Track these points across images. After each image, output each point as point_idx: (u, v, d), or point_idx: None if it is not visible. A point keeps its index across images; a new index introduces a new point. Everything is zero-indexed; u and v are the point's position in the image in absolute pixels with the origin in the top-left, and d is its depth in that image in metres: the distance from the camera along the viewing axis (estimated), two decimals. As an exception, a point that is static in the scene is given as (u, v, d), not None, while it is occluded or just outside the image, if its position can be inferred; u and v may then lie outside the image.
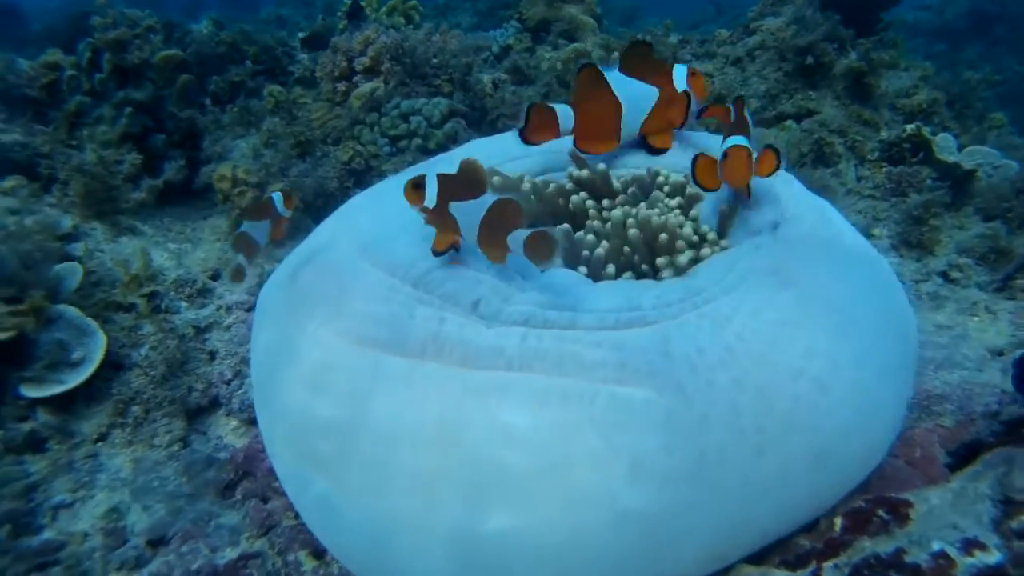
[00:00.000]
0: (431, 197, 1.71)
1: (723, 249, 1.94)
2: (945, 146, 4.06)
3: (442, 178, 1.72)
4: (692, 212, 2.07)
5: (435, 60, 4.41)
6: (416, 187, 1.74)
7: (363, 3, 5.89)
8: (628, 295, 1.73)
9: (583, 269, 1.91)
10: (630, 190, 2.11)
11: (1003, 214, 3.67)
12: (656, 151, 2.28)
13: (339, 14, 6.15)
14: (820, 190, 3.53)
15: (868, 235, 3.56)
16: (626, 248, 1.90)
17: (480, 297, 1.71)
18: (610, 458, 1.53)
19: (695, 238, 1.92)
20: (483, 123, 4.31)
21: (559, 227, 1.98)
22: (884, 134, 4.34)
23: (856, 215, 3.82)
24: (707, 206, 2.08)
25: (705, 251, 1.93)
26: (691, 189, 2.09)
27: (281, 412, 1.84)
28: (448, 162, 2.26)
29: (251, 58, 5.32)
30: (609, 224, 1.96)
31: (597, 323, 1.66)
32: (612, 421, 1.55)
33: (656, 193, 2.08)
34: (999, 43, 9.72)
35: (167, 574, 2.14)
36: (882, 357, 1.81)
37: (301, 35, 5.84)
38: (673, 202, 2.06)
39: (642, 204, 2.04)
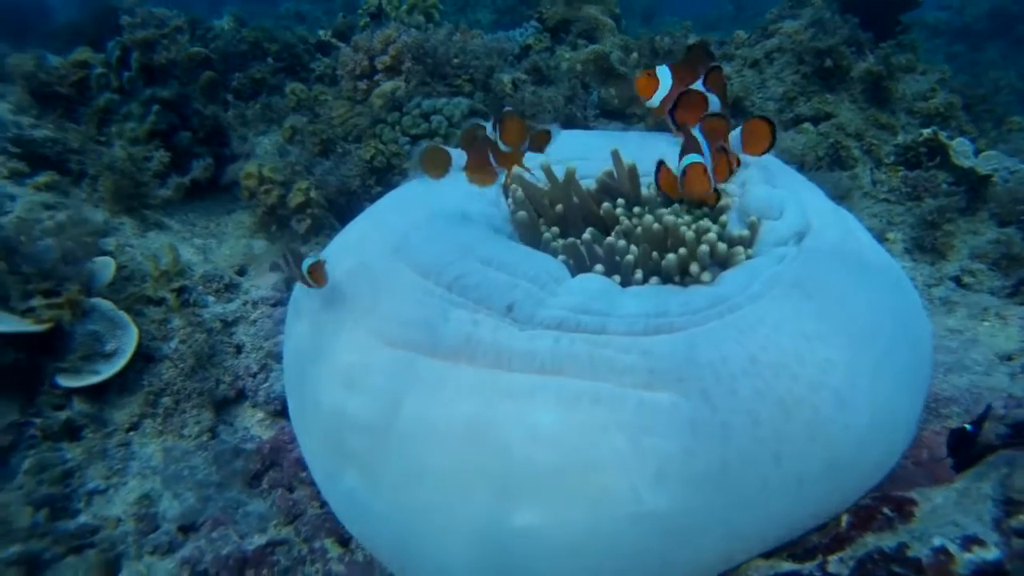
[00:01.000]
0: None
1: (749, 257, 1.98)
2: (961, 151, 4.09)
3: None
4: (721, 218, 2.11)
5: (456, 60, 4.47)
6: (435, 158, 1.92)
7: (384, 2, 5.95)
8: (656, 301, 1.78)
9: (617, 277, 1.96)
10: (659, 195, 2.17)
11: (1018, 219, 3.71)
12: None
13: (360, 11, 6.21)
14: (837, 198, 3.60)
15: (883, 239, 3.62)
16: (655, 253, 1.96)
17: (514, 301, 1.77)
18: (637, 460, 1.59)
19: (722, 245, 1.96)
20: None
21: (589, 230, 2.03)
22: (900, 138, 4.38)
23: (871, 219, 3.87)
24: (735, 212, 2.13)
25: (731, 258, 1.97)
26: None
27: (314, 407, 1.91)
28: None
29: (273, 55, 5.42)
30: (639, 229, 2.00)
31: (627, 328, 1.72)
32: (640, 424, 1.61)
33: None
34: (1020, 43, 9.69)
35: (199, 558, 2.23)
36: (898, 370, 1.85)
37: (321, 33, 5.91)
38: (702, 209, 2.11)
39: (671, 209, 2.09)
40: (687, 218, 2.05)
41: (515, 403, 1.64)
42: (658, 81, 2.33)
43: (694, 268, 1.91)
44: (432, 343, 1.74)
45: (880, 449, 1.83)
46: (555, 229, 2.08)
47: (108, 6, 5.68)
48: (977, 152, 4.19)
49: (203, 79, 4.82)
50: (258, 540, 2.29)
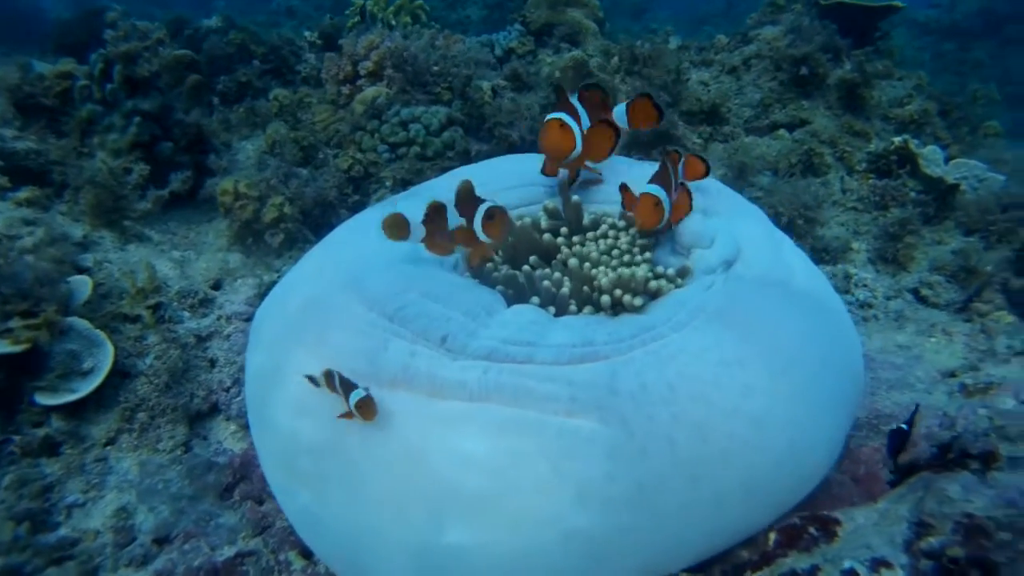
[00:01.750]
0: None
1: (678, 287, 2.07)
2: (932, 159, 4.17)
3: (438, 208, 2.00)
4: (651, 258, 2.19)
5: (436, 68, 4.54)
6: (394, 225, 1.95)
7: (370, 4, 6.01)
8: (583, 331, 1.89)
9: (552, 309, 2.05)
10: (600, 228, 2.25)
11: (985, 228, 3.79)
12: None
13: (347, 12, 6.26)
14: (809, 206, 3.67)
15: (847, 248, 3.70)
16: (585, 288, 2.05)
17: (448, 332, 1.88)
18: (558, 483, 1.70)
19: (651, 276, 2.05)
20: (480, 131, 4.45)
21: (530, 260, 2.13)
22: (873, 145, 4.45)
23: (839, 227, 3.96)
24: (666, 247, 2.22)
25: (663, 286, 2.06)
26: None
27: (270, 430, 2.02)
28: (420, 195, 2.42)
29: (259, 58, 5.49)
30: (571, 262, 2.10)
31: (553, 358, 1.82)
32: (561, 449, 1.71)
33: (621, 234, 2.22)
34: (1010, 43, 9.70)
35: (171, 571, 2.33)
36: (821, 395, 1.94)
37: (308, 35, 5.97)
38: (637, 240, 2.19)
39: (605, 241, 2.18)
40: (619, 250, 2.13)
41: (446, 430, 1.76)
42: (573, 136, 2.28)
43: (626, 299, 2.00)
44: (374, 371, 1.85)
45: (800, 470, 1.92)
46: (496, 260, 2.18)
47: (96, 8, 5.76)
48: (949, 159, 4.27)
49: (189, 82, 4.90)
50: (228, 552, 2.39)
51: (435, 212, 2.06)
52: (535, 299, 2.04)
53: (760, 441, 1.80)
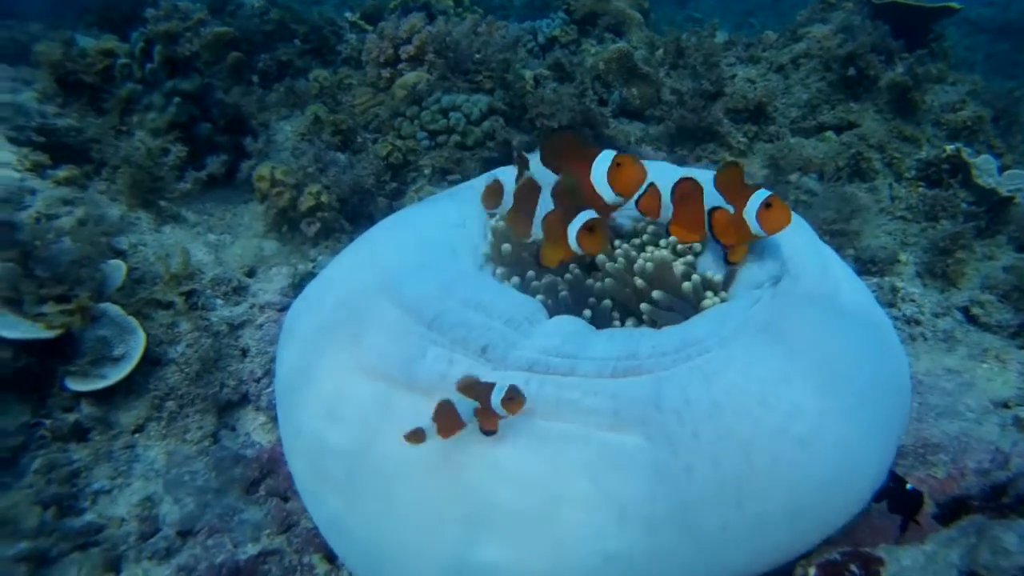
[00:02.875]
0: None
1: (723, 300, 2.01)
2: (985, 168, 4.04)
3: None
4: (697, 260, 2.13)
5: (478, 55, 4.47)
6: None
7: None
8: (626, 344, 1.83)
9: (587, 313, 2.00)
10: (641, 237, 2.19)
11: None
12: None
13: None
14: (851, 214, 3.58)
15: (894, 260, 3.59)
16: (628, 291, 1.99)
17: (488, 343, 1.82)
18: (600, 501, 1.65)
19: (697, 287, 1.99)
20: (522, 121, 4.38)
21: (568, 274, 2.07)
22: (924, 152, 4.32)
23: (886, 236, 3.85)
24: (711, 255, 2.15)
25: (706, 301, 2.00)
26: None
27: (299, 431, 1.98)
28: (458, 195, 2.36)
29: (300, 37, 5.45)
30: (614, 269, 2.04)
31: (596, 371, 1.77)
32: (604, 466, 1.66)
33: (657, 249, 2.15)
34: (1068, 43, 9.41)
35: (193, 567, 2.32)
36: (869, 416, 1.87)
37: (349, 16, 5.92)
38: (678, 250, 2.13)
39: (647, 252, 2.12)
40: (662, 259, 2.07)
41: (484, 442, 1.70)
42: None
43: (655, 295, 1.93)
44: (409, 379, 1.80)
45: (845, 494, 1.86)
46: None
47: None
48: (1002, 169, 4.13)
49: (230, 60, 4.88)
50: (251, 550, 2.37)
51: (528, 190, 1.99)
52: (587, 312, 1.98)
53: (806, 462, 1.73)
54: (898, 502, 2.03)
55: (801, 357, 1.84)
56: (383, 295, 1.97)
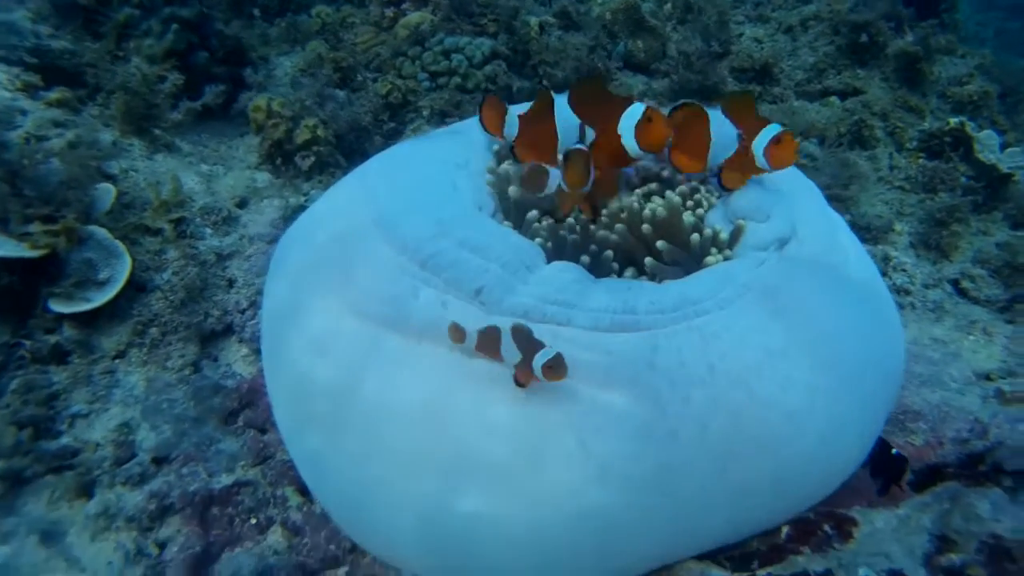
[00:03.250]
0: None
1: (727, 259, 1.96)
2: (987, 144, 4.00)
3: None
4: (704, 215, 2.08)
5: (483, -2, 4.39)
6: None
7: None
8: (625, 297, 1.78)
9: (585, 259, 1.96)
10: (646, 187, 2.15)
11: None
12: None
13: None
14: (849, 180, 3.55)
15: (889, 229, 3.58)
16: (633, 240, 1.95)
17: (483, 285, 1.78)
18: (582, 458, 1.63)
19: (706, 241, 1.95)
20: (524, 67, 4.31)
21: (571, 219, 2.03)
22: (927, 123, 4.28)
23: (883, 205, 3.83)
24: (719, 210, 2.10)
25: (710, 259, 1.95)
26: (704, 195, 2.13)
27: (284, 366, 1.94)
28: (460, 133, 2.31)
29: (303, -30, 5.32)
30: (623, 215, 1.99)
31: (592, 323, 1.73)
32: (590, 424, 1.64)
33: (670, 192, 2.11)
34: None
35: (166, 492, 2.32)
36: (860, 394, 1.85)
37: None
38: (688, 203, 2.09)
39: (655, 201, 2.07)
40: (671, 208, 2.03)
41: (473, 390, 1.68)
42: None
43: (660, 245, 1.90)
44: (400, 320, 1.76)
45: (830, 468, 1.85)
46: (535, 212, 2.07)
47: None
48: (1004, 146, 4.10)
49: (231, -11, 4.78)
50: (225, 480, 2.37)
51: (544, 108, 1.93)
52: (584, 258, 1.94)
53: (794, 435, 1.71)
54: (881, 465, 2.03)
55: (800, 328, 1.81)
56: (377, 232, 1.92)
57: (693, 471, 1.66)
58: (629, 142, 2.01)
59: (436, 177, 2.09)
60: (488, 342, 1.64)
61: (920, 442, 2.21)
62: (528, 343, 1.62)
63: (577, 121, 2.09)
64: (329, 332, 1.85)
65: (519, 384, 1.65)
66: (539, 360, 1.59)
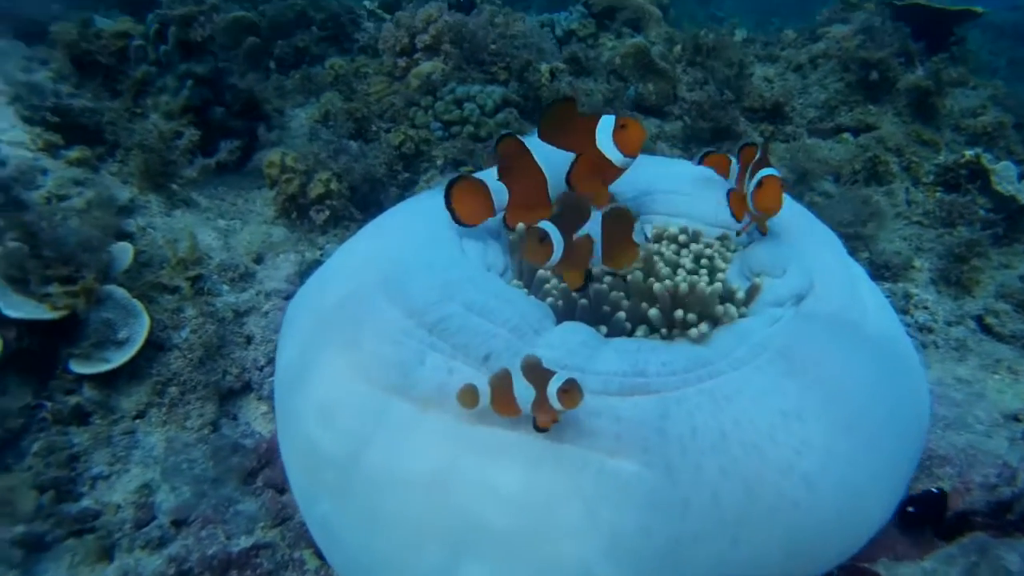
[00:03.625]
0: (558, 247, 1.78)
1: (742, 315, 1.94)
2: (1005, 175, 3.98)
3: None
4: (719, 275, 2.06)
5: (494, 46, 4.44)
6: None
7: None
8: (635, 359, 1.77)
9: (603, 328, 1.94)
10: (661, 243, 2.14)
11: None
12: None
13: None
14: (867, 217, 3.53)
15: (909, 266, 3.55)
16: (644, 304, 1.93)
17: (491, 351, 1.76)
18: (591, 530, 1.59)
19: (731, 314, 1.92)
20: (536, 113, 4.34)
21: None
22: (943, 156, 4.26)
23: (901, 242, 3.81)
24: (735, 266, 2.09)
25: (725, 318, 1.92)
26: (719, 250, 2.12)
27: (294, 431, 1.95)
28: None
29: (318, 24, 5.42)
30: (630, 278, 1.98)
31: (602, 387, 1.71)
32: (598, 493, 1.61)
33: (684, 252, 2.10)
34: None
35: (185, 557, 2.30)
36: (881, 457, 1.81)
37: (367, 4, 5.90)
38: (702, 260, 2.07)
39: (665, 261, 2.06)
40: (682, 270, 2.02)
41: (478, 459, 1.65)
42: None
43: (691, 318, 1.88)
44: (406, 386, 1.75)
45: (845, 538, 1.80)
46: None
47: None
48: (1022, 177, 4.07)
49: (247, 45, 4.88)
50: (244, 542, 2.35)
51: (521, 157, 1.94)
52: (603, 328, 1.92)
53: (810, 503, 1.67)
54: (919, 515, 1.99)
55: (817, 390, 1.77)
56: (384, 295, 1.92)
57: (704, 543, 1.62)
58: (611, 153, 2.02)
59: (445, 236, 2.09)
60: (502, 391, 1.61)
61: (947, 488, 2.17)
62: (540, 375, 1.59)
63: (556, 155, 2.10)
64: (335, 398, 1.85)
65: (540, 429, 1.62)
66: (553, 387, 1.57)
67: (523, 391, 1.60)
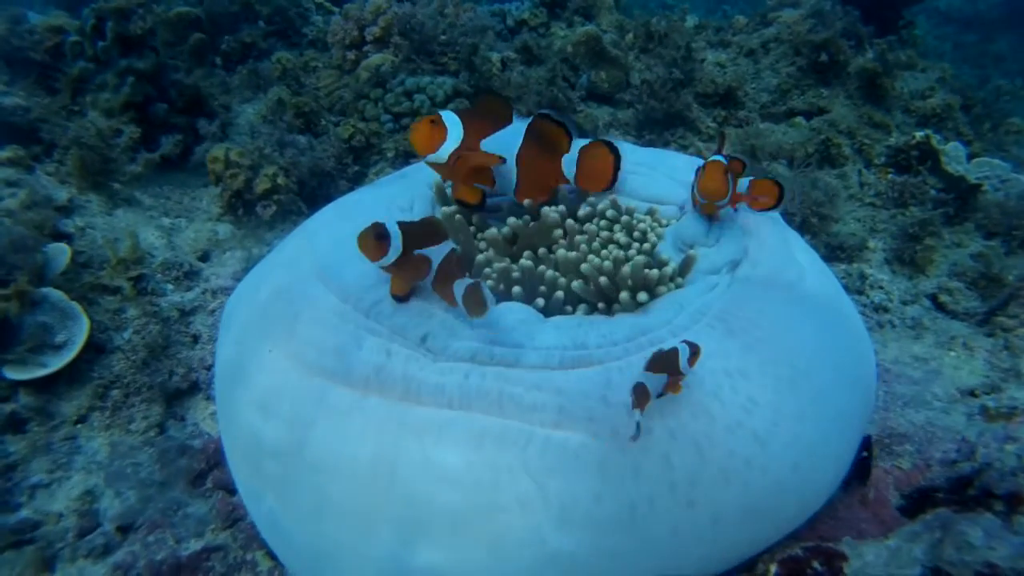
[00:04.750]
0: (395, 251, 1.71)
1: (678, 286, 1.93)
2: (954, 155, 4.00)
3: (405, 228, 1.72)
4: (653, 245, 2.04)
5: (443, 37, 4.38)
6: (378, 238, 1.72)
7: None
8: (575, 333, 1.74)
9: (540, 302, 1.91)
10: (592, 221, 2.10)
11: (1007, 232, 3.64)
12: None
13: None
14: (821, 200, 3.53)
15: (863, 247, 3.55)
16: (577, 283, 1.90)
17: (429, 331, 1.73)
18: (541, 502, 1.56)
19: (652, 271, 1.90)
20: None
21: (520, 262, 1.97)
22: (893, 138, 4.29)
23: (855, 223, 3.81)
24: (669, 239, 2.07)
25: (661, 288, 1.91)
26: (651, 222, 2.10)
27: (235, 428, 1.89)
28: (408, 177, 2.26)
29: (264, 19, 5.31)
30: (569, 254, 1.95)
31: (542, 362, 1.68)
32: (546, 465, 1.58)
33: (616, 226, 2.07)
34: (1034, 35, 9.42)
35: (131, 564, 2.22)
36: (830, 410, 1.80)
37: (314, -4, 5.79)
38: (634, 234, 2.04)
39: (600, 236, 2.03)
40: (614, 244, 1.98)
41: (421, 440, 1.61)
42: (445, 131, 2.01)
43: (623, 296, 1.85)
44: (344, 371, 1.70)
45: (804, 492, 1.79)
46: (492, 252, 2.02)
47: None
48: (971, 157, 4.10)
49: (191, 41, 4.74)
50: (194, 545, 2.27)
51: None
52: (539, 301, 1.89)
53: (762, 461, 1.66)
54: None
55: (759, 349, 1.76)
56: (320, 282, 1.87)
57: (660, 507, 1.60)
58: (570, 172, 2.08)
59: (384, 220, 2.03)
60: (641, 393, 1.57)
61: (908, 465, 2.16)
62: (667, 359, 1.59)
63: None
64: (274, 389, 1.79)
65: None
66: (683, 360, 1.57)
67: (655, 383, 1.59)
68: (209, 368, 2.77)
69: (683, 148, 4.20)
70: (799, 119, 4.46)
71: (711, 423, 1.64)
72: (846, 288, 2.89)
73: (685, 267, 1.97)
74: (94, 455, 2.51)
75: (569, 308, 1.89)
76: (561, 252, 1.94)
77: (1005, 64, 8.32)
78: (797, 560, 1.75)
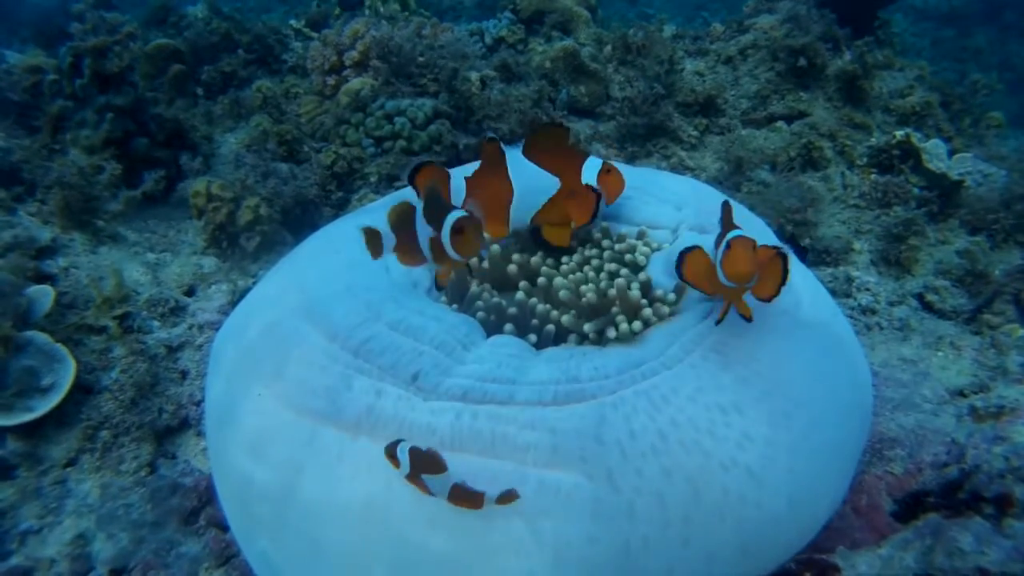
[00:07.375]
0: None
1: (673, 315, 1.90)
2: (935, 153, 4.01)
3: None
4: (644, 275, 2.01)
5: (422, 58, 4.38)
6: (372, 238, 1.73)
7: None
8: (567, 365, 1.73)
9: (532, 337, 1.89)
10: (583, 249, 2.10)
11: (989, 227, 3.65)
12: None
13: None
14: (805, 204, 3.54)
15: (848, 249, 3.56)
16: (566, 317, 1.88)
17: (420, 369, 1.71)
18: (535, 545, 1.55)
19: (644, 303, 1.88)
20: (469, 123, 4.29)
21: (516, 296, 1.96)
22: (875, 139, 4.30)
23: (840, 225, 3.82)
24: (661, 265, 2.04)
25: (653, 317, 1.88)
26: (643, 248, 2.08)
27: (226, 470, 1.87)
28: (382, 208, 2.25)
29: (244, 47, 5.32)
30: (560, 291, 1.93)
31: (536, 398, 1.66)
32: (539, 508, 1.56)
33: (608, 254, 2.06)
34: (1009, 29, 9.48)
35: (125, 607, 2.21)
36: (826, 440, 1.79)
37: (294, 23, 5.81)
38: (626, 258, 2.03)
39: (591, 265, 2.02)
40: (605, 273, 1.97)
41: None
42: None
43: (616, 327, 1.84)
44: (334, 412, 1.69)
45: (799, 526, 1.77)
46: (485, 285, 2.01)
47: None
48: (952, 153, 4.12)
49: (172, 72, 4.75)
50: (189, 585, 2.26)
51: (402, 218, 1.86)
52: (532, 337, 1.87)
53: (757, 496, 1.64)
54: None
55: (753, 382, 1.75)
56: (307, 321, 1.86)
57: (654, 547, 1.58)
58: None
59: (366, 256, 2.01)
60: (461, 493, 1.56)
61: (900, 470, 2.15)
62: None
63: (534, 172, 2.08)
64: (264, 431, 1.78)
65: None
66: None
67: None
68: (198, 404, 2.76)
69: (665, 158, 4.21)
70: (780, 124, 4.47)
71: (706, 460, 1.62)
72: (833, 292, 2.90)
73: (679, 293, 1.95)
74: (85, 498, 2.50)
75: (561, 340, 1.88)
76: (557, 283, 1.93)
77: (983, 58, 8.39)
78: (789, 574, 1.74)
